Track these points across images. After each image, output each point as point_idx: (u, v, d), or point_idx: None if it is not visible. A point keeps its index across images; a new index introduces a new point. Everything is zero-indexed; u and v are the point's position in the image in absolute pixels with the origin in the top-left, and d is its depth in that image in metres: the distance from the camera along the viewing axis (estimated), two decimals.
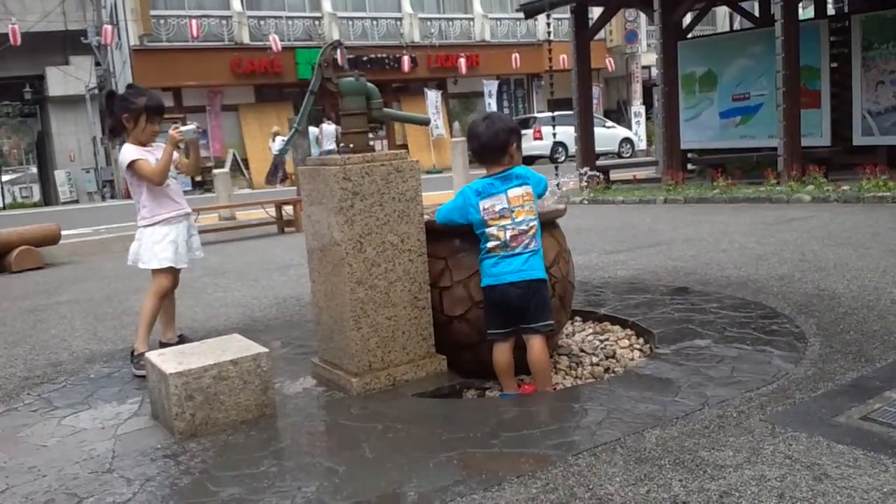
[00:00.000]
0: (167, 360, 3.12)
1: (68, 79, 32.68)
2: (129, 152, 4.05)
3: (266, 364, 3.15)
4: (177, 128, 4.09)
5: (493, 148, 3.24)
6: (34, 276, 8.42)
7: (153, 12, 23.35)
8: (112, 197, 26.92)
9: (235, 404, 3.08)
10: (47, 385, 3.97)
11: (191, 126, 4.20)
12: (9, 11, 29.17)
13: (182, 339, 4.28)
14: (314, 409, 3.24)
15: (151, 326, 4.14)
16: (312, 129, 18.03)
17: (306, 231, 3.56)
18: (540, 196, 3.34)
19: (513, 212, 3.16)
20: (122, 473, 2.69)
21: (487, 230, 3.20)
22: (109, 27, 24.00)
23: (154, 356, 3.24)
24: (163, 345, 4.10)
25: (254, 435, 2.96)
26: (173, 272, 4.18)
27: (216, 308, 5.70)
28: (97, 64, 31.79)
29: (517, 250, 3.15)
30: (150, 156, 4.10)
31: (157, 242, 4.10)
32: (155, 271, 4.11)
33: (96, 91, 32.21)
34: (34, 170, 36.68)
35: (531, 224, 3.18)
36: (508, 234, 3.16)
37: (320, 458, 2.70)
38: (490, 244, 3.19)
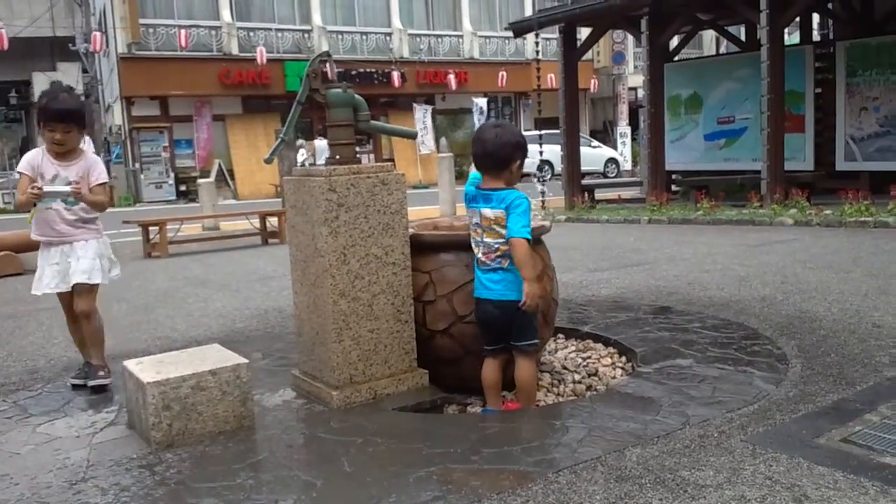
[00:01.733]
0: (145, 370, 3.08)
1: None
2: (24, 159, 3.78)
3: (245, 375, 3.12)
4: (38, 188, 3.61)
5: (495, 158, 3.13)
6: (14, 281, 8.31)
7: (142, 20, 23.29)
8: None
9: (213, 415, 3.04)
10: (23, 392, 3.91)
11: (60, 188, 3.68)
12: None
13: (79, 371, 3.99)
14: (293, 422, 3.21)
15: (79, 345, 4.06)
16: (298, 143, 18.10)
17: (290, 242, 3.53)
18: (519, 229, 3.03)
19: (483, 231, 3.13)
20: (96, 483, 2.65)
21: (472, 242, 3.20)
22: (99, 34, 23.91)
23: (132, 365, 3.20)
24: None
25: (231, 447, 2.93)
26: (60, 295, 3.90)
27: (196, 318, 5.65)
28: (84, 71, 31.68)
29: (491, 266, 3.13)
30: (54, 170, 3.74)
31: (39, 265, 3.87)
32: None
33: (83, 98, 32.08)
34: (15, 175, 36.45)
35: (498, 246, 3.09)
36: (480, 251, 3.15)
37: (298, 472, 2.66)
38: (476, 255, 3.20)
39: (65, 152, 3.76)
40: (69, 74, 32.38)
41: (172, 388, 2.95)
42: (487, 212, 3.09)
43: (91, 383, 3.79)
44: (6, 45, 22.32)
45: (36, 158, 3.74)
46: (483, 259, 3.15)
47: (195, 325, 5.42)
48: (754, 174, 11.09)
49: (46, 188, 3.61)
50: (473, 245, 3.20)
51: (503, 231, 3.06)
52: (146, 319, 5.68)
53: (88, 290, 3.81)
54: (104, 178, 3.85)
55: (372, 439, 2.89)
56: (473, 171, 3.29)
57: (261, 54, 23.85)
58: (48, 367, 4.42)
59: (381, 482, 2.50)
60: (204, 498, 2.47)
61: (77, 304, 3.80)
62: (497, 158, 3.12)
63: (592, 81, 30.12)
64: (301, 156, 20.30)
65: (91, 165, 3.83)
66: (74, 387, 3.89)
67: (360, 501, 2.38)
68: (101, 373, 3.80)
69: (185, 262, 9.34)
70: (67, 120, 3.68)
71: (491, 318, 3.17)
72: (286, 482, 2.57)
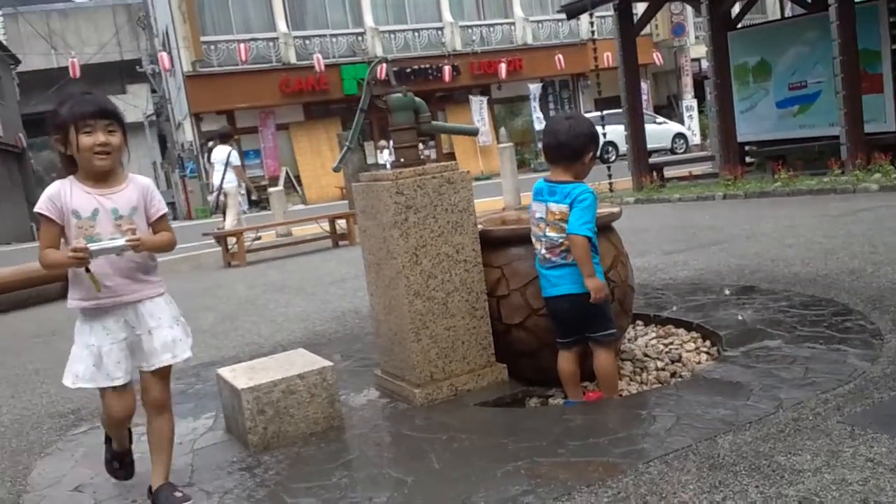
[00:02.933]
0: (238, 377, 3.20)
1: (126, 107, 33.62)
2: (44, 194, 2.56)
3: (331, 377, 3.19)
4: (82, 249, 2.41)
5: (568, 149, 3.08)
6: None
7: (203, 38, 23.93)
8: (174, 219, 27.59)
9: (304, 417, 3.12)
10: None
11: (112, 244, 2.47)
12: (68, 45, 30.34)
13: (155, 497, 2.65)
14: (379, 421, 3.27)
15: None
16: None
17: (362, 245, 3.59)
18: (579, 226, 2.97)
19: (547, 225, 3.09)
20: (201, 486, 2.77)
21: (532, 238, 3.18)
22: (165, 55, 24.67)
23: (226, 372, 3.32)
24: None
25: (323, 447, 3.00)
26: (116, 392, 2.61)
27: (279, 323, 5.79)
28: (153, 91, 32.75)
29: (556, 262, 3.08)
30: (93, 202, 2.53)
31: (76, 345, 2.62)
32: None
33: (154, 118, 33.19)
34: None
35: (562, 241, 3.05)
36: (543, 246, 3.12)
37: (388, 469, 2.71)
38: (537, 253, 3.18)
39: (106, 173, 2.57)
40: (139, 95, 33.63)
41: (265, 392, 3.05)
42: (553, 206, 3.06)
43: None
44: (79, 73, 23.30)
45: (62, 192, 2.53)
46: (546, 255, 3.11)
47: (278, 329, 5.56)
48: (832, 140, 10.63)
49: (93, 246, 2.43)
50: (535, 240, 3.17)
51: (566, 226, 3.01)
52: (233, 327, 5.86)
53: (169, 370, 2.70)
54: (164, 207, 2.72)
55: (456, 435, 2.92)
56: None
57: (318, 61, 24.20)
58: None
59: (469, 478, 2.52)
60: (302, 498, 2.56)
61: (151, 392, 2.65)
62: (569, 149, 3.08)
63: (653, 55, 29.46)
64: (386, 156, 20.71)
65: (145, 192, 2.65)
66: None
67: (450, 498, 2.40)
68: (179, 493, 2.62)
69: (263, 268, 9.58)
70: (110, 116, 2.54)
71: (562, 313, 3.15)
72: (378, 480, 2.63)
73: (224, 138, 12.22)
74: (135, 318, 2.61)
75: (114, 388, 2.59)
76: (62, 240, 2.56)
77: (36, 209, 2.55)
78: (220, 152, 11.69)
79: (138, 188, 2.64)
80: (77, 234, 2.50)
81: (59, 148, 2.56)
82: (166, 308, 2.68)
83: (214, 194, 11.83)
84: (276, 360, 3.43)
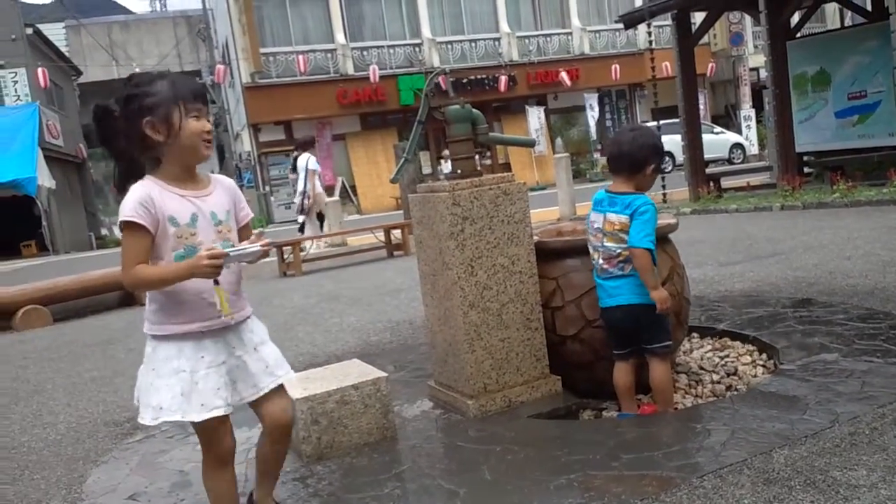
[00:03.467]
0: (293, 386, 3.25)
1: None
2: (130, 199, 2.12)
3: (385, 388, 3.25)
4: (217, 254, 2.07)
5: (630, 160, 3.09)
6: (130, 312, 8.91)
7: (262, 50, 24.47)
8: None
9: (358, 427, 3.18)
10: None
11: (249, 248, 2.16)
12: (129, 57, 31.33)
13: None
14: (432, 432, 3.31)
15: None
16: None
17: (418, 256, 3.64)
18: (641, 238, 2.98)
19: (605, 235, 3.11)
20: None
21: (590, 248, 3.20)
22: (222, 66, 25.31)
23: None
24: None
25: (376, 457, 3.05)
26: (222, 421, 2.24)
27: (334, 333, 5.90)
28: (212, 102, 33.55)
29: (614, 273, 3.10)
30: (190, 207, 2.18)
31: (156, 374, 2.20)
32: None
33: (213, 129, 34.02)
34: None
35: (620, 251, 3.06)
36: (600, 256, 3.13)
37: (441, 481, 2.75)
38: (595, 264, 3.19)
39: (193, 172, 2.26)
40: None
41: (319, 403, 3.12)
42: (612, 217, 3.07)
43: None
44: None
45: (150, 195, 2.13)
46: (604, 266, 3.12)
47: (333, 339, 5.66)
48: (892, 150, 10.36)
49: (233, 252, 2.12)
50: (592, 250, 3.19)
51: (626, 237, 3.03)
52: (288, 337, 5.98)
53: (285, 386, 2.43)
54: (250, 210, 2.45)
55: (510, 447, 2.94)
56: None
57: (374, 72, 24.51)
58: None
59: (522, 490, 2.54)
60: None
61: (280, 410, 2.38)
62: (632, 160, 3.10)
63: (710, 65, 29.03)
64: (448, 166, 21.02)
65: (233, 193, 2.35)
66: None
67: None
68: None
69: (318, 278, 9.74)
70: (209, 103, 2.27)
71: (618, 324, 3.17)
72: (430, 491, 2.67)
73: (305, 146, 12.89)
74: (235, 339, 2.28)
75: (219, 418, 2.20)
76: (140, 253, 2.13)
77: (124, 217, 2.10)
78: (303, 160, 12.36)
79: (226, 189, 2.33)
80: (175, 245, 2.15)
81: (151, 134, 2.13)
82: (260, 324, 2.40)
83: (298, 199, 12.44)
84: (331, 370, 3.49)
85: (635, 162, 3.09)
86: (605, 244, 3.11)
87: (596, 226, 3.16)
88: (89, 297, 9.11)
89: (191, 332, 2.18)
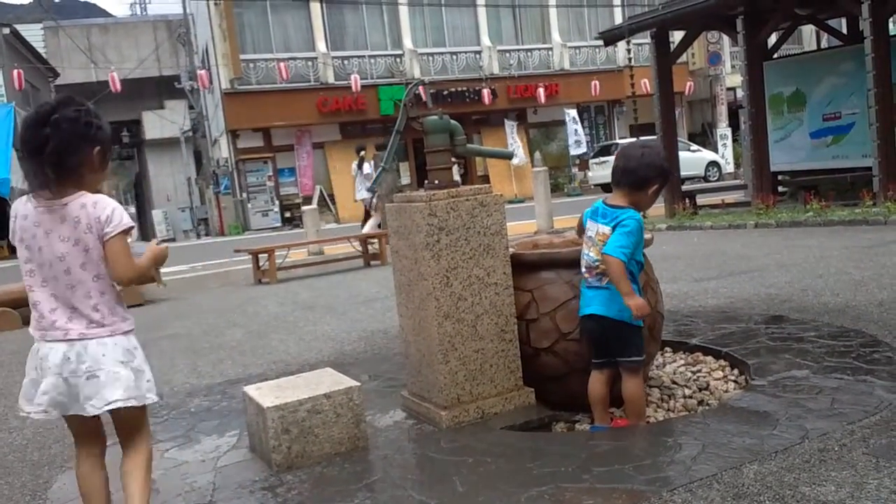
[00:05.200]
0: (264, 395, 3.23)
1: (163, 122, 34.38)
2: (120, 209, 2.36)
3: (358, 397, 3.22)
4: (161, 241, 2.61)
5: (633, 176, 3.10)
6: (134, 312, 8.82)
7: (243, 56, 24.35)
8: (206, 235, 27.99)
9: (329, 437, 3.15)
10: (150, 418, 4.15)
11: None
12: (108, 60, 31.03)
13: None
14: (405, 442, 3.29)
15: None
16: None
17: (393, 266, 3.63)
18: (614, 248, 3.00)
19: (592, 245, 3.15)
20: None
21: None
22: (204, 72, 25.16)
23: (252, 390, 3.36)
24: None
25: (347, 467, 3.03)
26: (71, 420, 2.49)
27: (307, 342, 5.86)
28: (190, 107, 33.36)
29: (592, 283, 3.15)
30: None
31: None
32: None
33: (190, 134, 33.80)
34: (132, 209, 38.84)
35: (596, 262, 3.10)
36: (583, 264, 3.18)
37: (412, 492, 2.73)
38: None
39: None
40: (176, 111, 34.22)
41: (290, 411, 3.08)
42: (601, 228, 3.12)
43: None
44: (119, 87, 23.82)
45: None
46: (585, 274, 3.18)
47: (307, 348, 5.62)
48: (865, 171, 10.54)
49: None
50: (581, 257, 3.23)
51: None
52: (261, 344, 5.93)
53: None
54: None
55: (482, 459, 2.93)
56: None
57: (355, 81, 24.47)
58: (172, 393, 4.67)
59: (493, 501, 2.53)
60: None
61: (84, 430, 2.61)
62: (635, 176, 3.11)
63: (688, 84, 29.39)
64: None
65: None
66: None
67: None
68: None
69: (294, 286, 9.68)
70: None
71: (590, 333, 3.21)
72: (401, 502, 2.65)
73: (360, 150, 15.00)
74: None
75: None
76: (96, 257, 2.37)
77: (130, 224, 2.35)
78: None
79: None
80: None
81: (94, 161, 2.32)
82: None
83: (368, 197, 13.73)
84: (303, 378, 3.46)
85: (638, 179, 3.11)
86: (588, 253, 3.15)
87: (588, 234, 3.19)
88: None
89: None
